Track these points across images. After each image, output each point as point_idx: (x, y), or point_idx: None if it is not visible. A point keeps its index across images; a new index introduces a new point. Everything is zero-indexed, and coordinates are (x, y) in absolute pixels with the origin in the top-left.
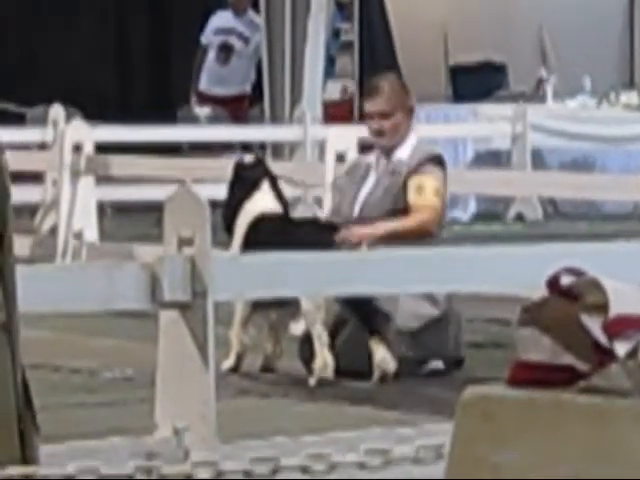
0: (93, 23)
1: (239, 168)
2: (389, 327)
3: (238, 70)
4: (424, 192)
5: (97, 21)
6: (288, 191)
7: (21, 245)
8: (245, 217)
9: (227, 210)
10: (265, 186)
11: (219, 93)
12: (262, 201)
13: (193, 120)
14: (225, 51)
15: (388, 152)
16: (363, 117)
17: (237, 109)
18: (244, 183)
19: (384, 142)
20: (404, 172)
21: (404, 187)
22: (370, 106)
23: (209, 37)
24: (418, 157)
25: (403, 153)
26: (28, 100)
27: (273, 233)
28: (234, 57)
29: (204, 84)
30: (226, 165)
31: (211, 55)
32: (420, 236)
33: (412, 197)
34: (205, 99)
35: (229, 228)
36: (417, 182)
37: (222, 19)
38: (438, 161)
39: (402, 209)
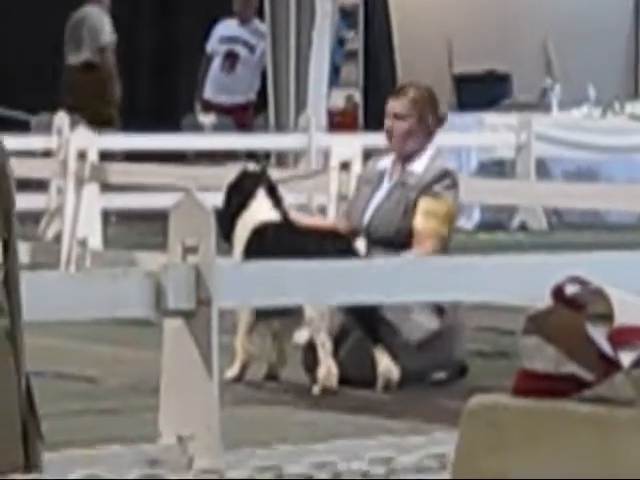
0: None
1: (242, 177)
2: (393, 335)
3: (243, 78)
4: (432, 218)
5: None
6: (292, 198)
7: (25, 252)
8: (244, 226)
9: (224, 219)
10: (261, 195)
11: (224, 101)
12: (260, 210)
13: (198, 128)
14: (230, 59)
15: (403, 160)
16: (368, 126)
17: (242, 117)
18: (240, 192)
19: (392, 145)
20: (415, 188)
21: (414, 206)
22: (390, 105)
23: (214, 45)
24: (431, 174)
25: (417, 166)
26: (33, 107)
27: (275, 241)
28: (239, 65)
29: (209, 92)
30: (231, 173)
31: (216, 63)
32: None
33: (419, 221)
34: (210, 107)
35: (227, 237)
36: (427, 206)
37: (227, 27)
38: (451, 180)
39: (409, 230)
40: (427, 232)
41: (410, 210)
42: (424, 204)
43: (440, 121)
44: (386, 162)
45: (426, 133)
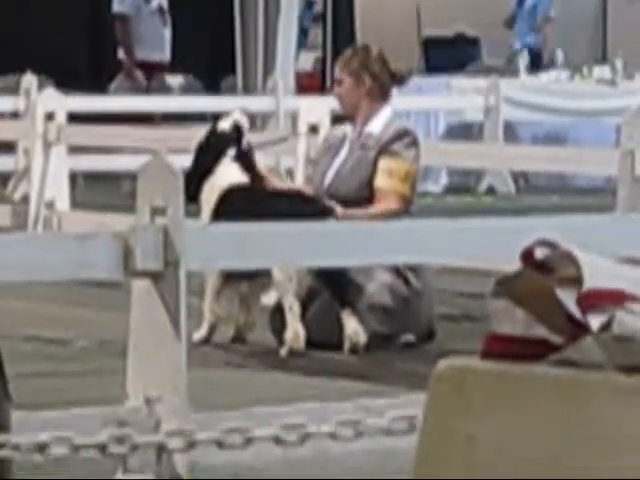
0: None
1: (211, 136)
2: (361, 299)
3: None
4: (392, 177)
5: None
6: (260, 161)
7: None
8: (212, 189)
9: (191, 179)
10: (229, 157)
11: (161, 59)
12: (228, 173)
13: (166, 90)
14: (164, 14)
15: (361, 123)
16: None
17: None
18: (208, 153)
19: (343, 110)
20: (374, 147)
21: (374, 165)
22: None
23: (137, 3)
24: (389, 133)
25: (375, 127)
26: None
27: (244, 204)
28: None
29: (143, 53)
30: (198, 135)
31: (149, 21)
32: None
33: (380, 181)
34: (147, 67)
35: (194, 198)
36: (387, 165)
37: None
38: (410, 138)
39: (370, 188)
40: (388, 191)
41: (370, 170)
42: (384, 163)
43: (394, 79)
44: (346, 128)
45: (376, 93)
